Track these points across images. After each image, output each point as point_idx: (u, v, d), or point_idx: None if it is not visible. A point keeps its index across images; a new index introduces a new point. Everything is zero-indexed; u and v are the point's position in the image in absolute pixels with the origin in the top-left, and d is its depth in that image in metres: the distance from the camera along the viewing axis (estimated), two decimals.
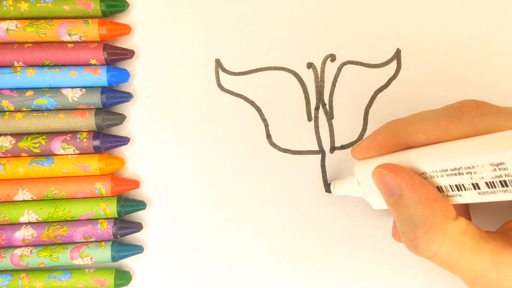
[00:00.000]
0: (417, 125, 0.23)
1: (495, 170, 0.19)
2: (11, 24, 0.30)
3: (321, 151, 0.32)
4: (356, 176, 0.27)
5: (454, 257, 0.22)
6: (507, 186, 0.20)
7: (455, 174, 0.21)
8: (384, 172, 0.23)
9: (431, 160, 0.22)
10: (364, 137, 0.32)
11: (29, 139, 0.30)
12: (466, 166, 0.20)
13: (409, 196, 0.22)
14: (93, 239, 0.31)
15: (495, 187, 0.20)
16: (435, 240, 0.21)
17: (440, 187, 0.22)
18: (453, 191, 0.22)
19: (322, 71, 0.32)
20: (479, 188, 0.21)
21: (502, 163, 0.19)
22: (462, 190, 0.21)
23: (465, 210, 0.27)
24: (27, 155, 0.31)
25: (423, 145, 0.23)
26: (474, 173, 0.20)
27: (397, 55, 0.32)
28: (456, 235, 0.21)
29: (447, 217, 0.22)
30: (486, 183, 0.20)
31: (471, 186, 0.21)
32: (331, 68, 0.32)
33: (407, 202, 0.22)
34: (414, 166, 0.23)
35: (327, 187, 0.32)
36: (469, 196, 0.21)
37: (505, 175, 0.19)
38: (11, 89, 0.31)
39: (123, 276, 0.31)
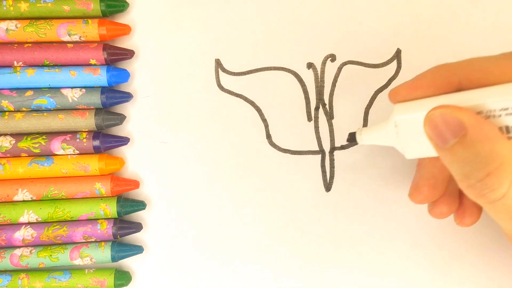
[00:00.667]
0: (477, 65, 0.22)
1: None
2: (11, 24, 0.30)
3: (321, 151, 0.32)
4: (395, 118, 0.24)
5: None
6: None
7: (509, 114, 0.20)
8: (445, 112, 0.21)
9: (494, 98, 0.21)
10: None
11: (29, 139, 0.30)
12: None
13: (476, 134, 0.20)
14: (93, 239, 0.31)
15: None
16: (505, 178, 0.20)
17: (501, 127, 0.21)
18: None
19: (322, 71, 0.32)
20: None
21: None
22: None
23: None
24: (26, 155, 0.31)
25: (479, 85, 0.22)
26: None
27: (397, 55, 0.32)
28: None
29: None
30: None
31: None
32: (331, 68, 0.32)
33: (474, 140, 0.20)
34: (474, 106, 0.21)
35: (351, 136, 0.28)
36: None
37: None
38: (11, 89, 0.31)
39: (123, 276, 0.31)
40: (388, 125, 0.25)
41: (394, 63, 0.32)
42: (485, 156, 0.20)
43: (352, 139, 0.28)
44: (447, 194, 0.27)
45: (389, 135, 0.25)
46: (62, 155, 0.31)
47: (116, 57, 0.31)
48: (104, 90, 0.31)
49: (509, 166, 0.20)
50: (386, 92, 0.32)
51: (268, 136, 0.32)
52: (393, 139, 0.25)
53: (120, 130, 0.32)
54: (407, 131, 0.24)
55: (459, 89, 0.22)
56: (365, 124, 0.32)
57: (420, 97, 0.24)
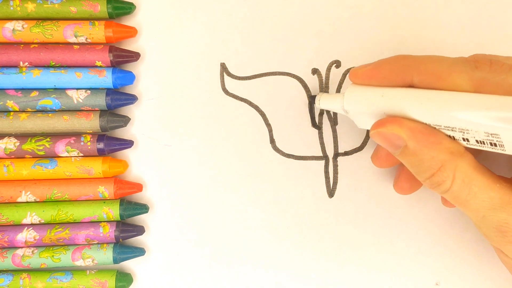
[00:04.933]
0: (430, 66, 0.23)
1: (488, 136, 0.21)
2: (18, 25, 0.30)
3: (325, 157, 0.32)
4: (345, 107, 0.27)
5: (465, 192, 0.23)
6: (495, 146, 0.21)
7: (448, 129, 0.22)
8: (384, 131, 0.24)
9: (426, 112, 0.23)
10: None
11: (33, 141, 0.30)
12: (460, 128, 0.22)
13: (414, 145, 0.23)
14: (95, 242, 0.31)
15: (484, 144, 0.21)
16: (447, 175, 0.23)
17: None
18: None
19: (327, 77, 0.32)
20: (468, 141, 0.22)
21: (496, 134, 0.20)
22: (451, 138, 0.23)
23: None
24: (31, 157, 0.31)
25: (428, 87, 0.23)
26: (467, 133, 0.21)
27: None
28: (466, 169, 0.23)
29: (455, 153, 0.23)
30: (477, 140, 0.21)
31: (460, 139, 0.22)
32: (336, 74, 0.32)
33: (414, 150, 0.23)
34: (411, 112, 0.23)
35: (312, 99, 0.32)
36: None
37: (497, 141, 0.20)
38: (16, 89, 0.31)
39: (124, 278, 0.31)
40: (341, 103, 0.27)
41: None
42: (427, 161, 0.23)
43: (313, 101, 0.31)
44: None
45: (341, 110, 0.28)
46: (66, 157, 0.31)
47: (122, 59, 0.31)
48: (109, 92, 0.31)
49: (449, 166, 0.23)
50: None
51: (272, 141, 0.32)
52: (345, 113, 0.28)
53: (124, 132, 0.32)
54: (356, 116, 0.27)
55: (411, 84, 0.24)
56: (368, 130, 0.32)
57: (374, 85, 0.26)
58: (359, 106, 0.26)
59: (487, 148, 0.22)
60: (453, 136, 0.22)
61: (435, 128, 0.23)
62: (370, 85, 0.26)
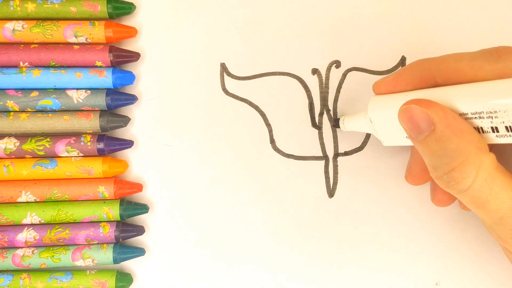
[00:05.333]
0: (451, 64, 0.23)
1: None
2: (18, 25, 0.30)
3: (325, 157, 0.32)
4: (369, 114, 0.26)
5: (486, 191, 0.22)
6: None
7: (476, 117, 0.21)
8: (415, 107, 0.22)
9: (452, 101, 0.22)
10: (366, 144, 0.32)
11: (33, 141, 0.30)
12: (488, 111, 0.21)
13: (443, 130, 0.22)
14: (95, 242, 0.31)
15: None
16: (470, 172, 0.21)
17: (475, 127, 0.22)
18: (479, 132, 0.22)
19: (327, 77, 0.32)
20: (497, 131, 0.21)
21: None
22: (479, 132, 0.22)
23: None
24: (31, 157, 0.31)
25: (453, 83, 0.23)
26: (496, 117, 0.20)
27: (402, 62, 0.32)
28: (489, 168, 0.21)
29: (481, 148, 0.21)
30: (506, 127, 0.20)
31: (489, 129, 0.21)
32: (336, 75, 0.32)
33: (441, 135, 0.22)
34: (444, 102, 0.22)
35: (336, 122, 0.31)
36: (486, 139, 0.22)
37: None
38: (16, 90, 0.31)
39: (124, 278, 0.31)
40: (365, 117, 0.27)
41: None
42: (451, 151, 0.21)
43: (337, 125, 0.31)
44: None
45: (367, 125, 0.27)
46: (66, 157, 0.31)
47: (122, 59, 0.31)
48: (109, 92, 0.31)
49: (474, 161, 0.21)
50: None
51: (272, 141, 0.32)
52: (371, 129, 0.27)
53: (124, 132, 0.32)
54: (382, 125, 0.26)
55: (435, 85, 0.23)
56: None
57: (398, 91, 0.25)
58: (383, 110, 0.25)
59: None
60: (481, 128, 0.21)
61: (465, 119, 0.22)
62: (389, 94, 0.25)
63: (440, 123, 0.22)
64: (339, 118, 0.31)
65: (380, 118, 0.26)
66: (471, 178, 0.22)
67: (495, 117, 0.20)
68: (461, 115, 0.22)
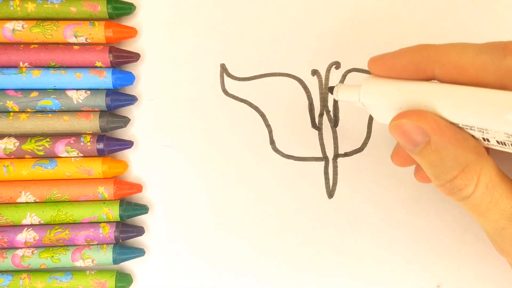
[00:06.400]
0: (453, 56, 0.21)
1: (509, 137, 0.19)
2: (18, 25, 0.30)
3: (325, 158, 0.32)
4: (362, 100, 0.25)
5: (487, 199, 0.21)
6: None
7: (466, 128, 0.21)
8: (406, 122, 0.21)
9: (445, 108, 0.21)
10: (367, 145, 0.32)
11: (33, 141, 0.30)
12: (479, 127, 0.20)
13: (439, 140, 0.21)
14: (95, 243, 0.31)
15: (505, 145, 0.20)
16: (472, 178, 0.21)
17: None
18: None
19: (327, 78, 0.32)
20: (488, 141, 0.21)
21: None
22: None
23: None
24: (30, 157, 0.31)
25: (451, 81, 0.22)
26: (487, 133, 0.20)
27: None
28: (490, 173, 0.21)
29: (480, 154, 0.21)
30: (497, 141, 0.20)
31: (480, 139, 0.21)
32: (335, 76, 0.32)
33: (437, 146, 0.21)
34: (428, 108, 0.22)
35: (330, 90, 0.29)
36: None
37: None
38: (16, 90, 0.31)
39: (124, 278, 0.31)
40: (358, 93, 0.25)
41: None
42: (450, 160, 0.21)
43: (330, 92, 0.29)
44: None
45: (360, 102, 0.26)
46: (65, 157, 0.31)
47: (121, 59, 0.31)
48: (109, 92, 0.31)
49: (474, 167, 0.21)
50: None
51: (272, 142, 0.32)
52: (364, 106, 0.26)
53: (124, 133, 0.32)
54: (374, 109, 0.25)
55: (432, 77, 0.22)
56: (368, 131, 0.32)
57: (393, 77, 0.24)
58: (375, 100, 0.24)
59: (508, 148, 0.20)
60: (473, 136, 0.21)
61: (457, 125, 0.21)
62: (388, 77, 0.24)
63: (434, 134, 0.21)
64: (333, 86, 0.28)
65: (372, 105, 0.25)
66: (473, 184, 0.21)
67: (486, 133, 0.20)
68: (452, 123, 0.21)
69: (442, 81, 0.22)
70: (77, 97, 0.30)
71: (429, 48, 0.22)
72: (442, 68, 0.22)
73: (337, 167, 0.32)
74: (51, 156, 0.31)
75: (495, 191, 0.21)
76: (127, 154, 0.32)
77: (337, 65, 0.32)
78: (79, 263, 0.30)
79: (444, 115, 0.21)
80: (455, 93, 0.21)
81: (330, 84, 0.32)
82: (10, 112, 0.31)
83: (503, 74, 0.20)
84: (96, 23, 0.31)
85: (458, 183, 0.21)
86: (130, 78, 0.31)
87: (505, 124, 0.19)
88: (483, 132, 0.20)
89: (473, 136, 0.21)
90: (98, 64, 0.31)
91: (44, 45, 0.31)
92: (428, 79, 0.22)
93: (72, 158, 0.31)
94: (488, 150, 0.23)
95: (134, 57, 0.31)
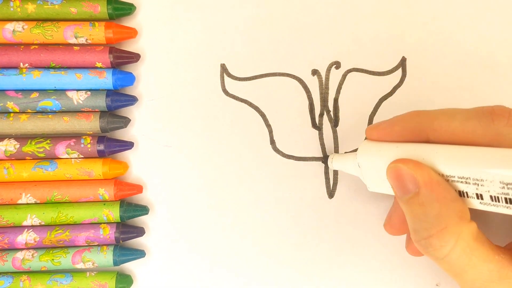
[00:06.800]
0: (443, 122, 0.22)
1: (504, 188, 0.19)
2: (18, 26, 0.30)
3: (325, 158, 0.32)
4: (359, 159, 0.26)
5: (463, 261, 0.21)
6: (511, 203, 0.19)
7: (462, 181, 0.21)
8: (403, 167, 0.22)
9: (440, 162, 0.22)
10: None
11: (33, 143, 0.30)
12: (475, 178, 0.20)
13: (427, 194, 0.21)
14: (96, 244, 0.31)
15: (499, 201, 0.20)
16: (448, 240, 0.21)
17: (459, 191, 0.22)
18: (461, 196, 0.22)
19: (327, 78, 0.32)
20: (481, 199, 0.21)
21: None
22: (464, 196, 0.21)
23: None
24: (31, 158, 0.31)
25: (444, 143, 0.22)
26: (482, 185, 0.20)
27: (402, 63, 0.32)
28: (469, 238, 0.21)
29: (463, 218, 0.21)
30: (491, 196, 0.20)
31: (474, 196, 0.21)
32: (335, 75, 0.32)
33: (424, 200, 0.21)
34: (425, 162, 0.22)
35: (325, 160, 0.31)
36: (469, 203, 0.21)
37: None
38: (17, 91, 0.31)
39: (124, 280, 0.31)
40: (353, 160, 0.27)
41: (399, 71, 0.32)
42: (432, 217, 0.21)
43: (325, 162, 0.32)
44: None
45: (355, 168, 0.27)
46: (66, 159, 0.31)
47: (122, 60, 0.31)
48: (109, 93, 0.31)
49: (453, 230, 0.21)
50: (390, 100, 0.32)
51: (272, 142, 0.32)
52: (358, 172, 0.27)
53: (124, 133, 0.32)
54: (369, 171, 0.26)
55: (427, 140, 0.23)
56: None
57: (391, 141, 0.25)
58: (372, 158, 0.25)
59: (501, 208, 0.20)
60: (466, 193, 0.21)
61: (449, 183, 0.21)
62: (385, 141, 0.25)
63: (424, 187, 0.21)
64: (328, 155, 0.31)
65: (369, 165, 0.26)
66: (449, 246, 0.21)
67: (481, 185, 0.20)
68: (448, 177, 0.21)
69: (436, 143, 0.23)
70: (78, 98, 0.30)
71: (421, 114, 0.24)
72: (435, 133, 0.22)
73: None
74: (52, 158, 0.31)
75: (473, 256, 0.21)
76: (128, 155, 0.32)
77: (337, 65, 0.32)
78: (80, 266, 0.30)
79: (440, 169, 0.22)
80: (449, 149, 0.21)
81: (331, 84, 0.32)
82: (10, 113, 0.31)
83: (492, 137, 0.21)
84: (96, 23, 0.31)
85: (434, 242, 0.21)
86: (130, 79, 0.31)
87: (499, 172, 0.19)
88: (478, 185, 0.20)
89: (466, 193, 0.21)
90: (99, 64, 0.31)
91: (44, 46, 0.31)
92: (423, 142, 0.23)
93: (73, 160, 0.31)
94: (474, 212, 0.23)
95: (134, 57, 0.31)
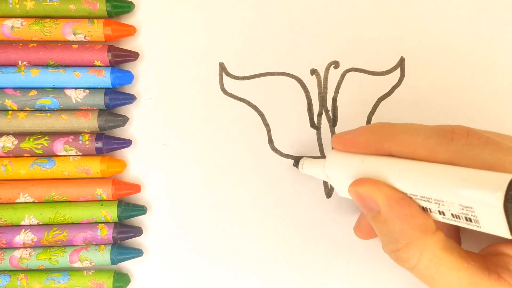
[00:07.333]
0: (406, 138, 0.23)
1: (463, 209, 0.20)
2: (16, 22, 0.30)
3: (323, 157, 0.32)
4: (326, 171, 0.27)
5: (432, 271, 0.22)
6: (471, 221, 0.20)
7: (424, 200, 0.22)
8: (361, 189, 0.23)
9: (403, 181, 0.22)
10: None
11: (32, 140, 0.30)
12: (436, 198, 0.21)
13: (387, 213, 0.22)
14: (93, 244, 0.31)
15: (459, 218, 0.20)
16: (414, 253, 0.22)
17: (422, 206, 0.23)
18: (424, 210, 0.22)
19: (326, 78, 0.32)
20: (443, 215, 0.21)
21: (470, 207, 0.19)
22: (428, 211, 0.22)
23: (455, 231, 0.27)
24: (29, 155, 0.31)
25: (405, 157, 0.23)
26: (442, 205, 0.21)
27: (401, 63, 0.32)
28: (434, 249, 0.22)
29: (426, 231, 0.22)
30: (452, 214, 0.21)
31: (436, 212, 0.21)
32: (334, 75, 0.32)
33: (385, 218, 0.22)
34: (389, 179, 0.23)
35: (296, 163, 0.32)
36: (433, 216, 0.22)
37: (471, 215, 0.20)
38: (15, 89, 0.30)
39: (122, 278, 0.31)
40: (323, 169, 0.27)
41: (398, 71, 0.32)
42: (396, 233, 0.22)
43: (296, 165, 0.31)
44: None
45: (324, 176, 0.28)
46: (64, 156, 0.31)
47: (120, 58, 0.31)
48: (107, 91, 0.31)
49: (417, 244, 0.22)
50: (389, 100, 0.32)
51: (270, 141, 0.32)
52: (328, 179, 0.28)
53: (122, 132, 0.32)
54: (337, 182, 0.27)
55: (389, 154, 0.24)
56: None
57: (355, 152, 0.25)
58: (339, 171, 0.26)
59: (462, 223, 0.21)
60: (429, 208, 0.22)
61: (411, 199, 0.22)
62: (351, 152, 0.26)
63: (384, 207, 0.22)
64: (300, 158, 0.31)
65: (336, 176, 0.26)
66: (415, 258, 0.22)
67: (442, 205, 0.21)
68: (411, 194, 0.22)
69: (398, 157, 0.23)
70: (76, 96, 0.30)
71: (385, 127, 0.24)
72: (397, 146, 0.23)
73: None
74: (50, 155, 0.31)
75: (441, 265, 0.22)
76: (126, 153, 0.32)
77: (336, 64, 0.32)
78: (77, 265, 0.30)
79: (403, 188, 0.22)
80: (412, 167, 0.22)
81: (329, 84, 0.32)
82: (8, 110, 0.31)
83: (452, 155, 0.21)
84: (95, 20, 0.31)
85: (401, 255, 0.22)
86: (129, 77, 0.31)
87: (458, 195, 0.20)
88: (439, 204, 0.21)
89: (429, 208, 0.22)
90: (97, 63, 0.31)
91: (43, 43, 0.31)
92: (386, 155, 0.24)
93: (71, 157, 0.31)
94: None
95: (133, 56, 0.31)
